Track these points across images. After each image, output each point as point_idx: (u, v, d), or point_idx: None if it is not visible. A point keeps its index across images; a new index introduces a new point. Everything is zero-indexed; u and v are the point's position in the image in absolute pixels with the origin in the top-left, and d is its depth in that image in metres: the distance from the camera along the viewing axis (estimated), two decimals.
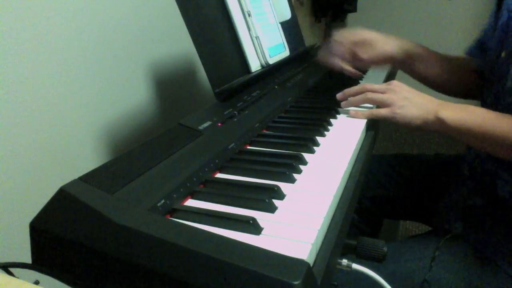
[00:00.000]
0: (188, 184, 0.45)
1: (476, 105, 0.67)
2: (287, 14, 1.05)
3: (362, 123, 0.68)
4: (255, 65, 0.81)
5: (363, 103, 0.72)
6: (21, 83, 0.68)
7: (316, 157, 0.56)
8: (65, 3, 0.74)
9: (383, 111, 0.68)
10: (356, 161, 0.58)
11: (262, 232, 0.38)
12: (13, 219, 0.68)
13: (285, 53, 0.94)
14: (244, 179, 0.49)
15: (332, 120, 0.70)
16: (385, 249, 0.48)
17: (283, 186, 0.46)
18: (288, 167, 0.50)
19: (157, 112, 1.03)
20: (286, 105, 0.75)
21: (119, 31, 0.88)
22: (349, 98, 0.73)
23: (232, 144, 0.56)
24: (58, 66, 0.74)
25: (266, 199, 0.42)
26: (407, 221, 1.67)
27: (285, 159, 0.53)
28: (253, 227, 0.38)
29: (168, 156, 0.48)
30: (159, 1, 1.00)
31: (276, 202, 0.43)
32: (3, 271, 0.41)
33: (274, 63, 0.86)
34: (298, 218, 0.40)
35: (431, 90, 0.92)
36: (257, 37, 0.82)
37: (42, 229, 0.37)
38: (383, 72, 1.01)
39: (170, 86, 1.08)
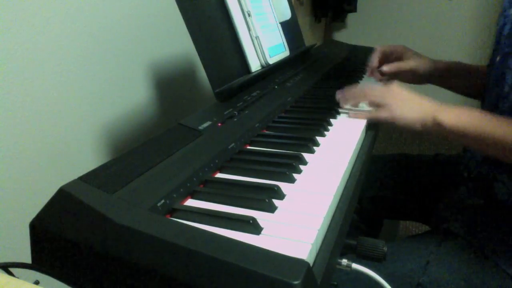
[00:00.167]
0: (188, 184, 0.45)
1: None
2: (287, 14, 1.05)
3: (362, 123, 0.68)
4: (255, 65, 0.81)
5: (362, 102, 0.72)
6: (21, 83, 0.68)
7: (316, 157, 0.56)
8: (65, 3, 0.74)
9: (382, 113, 0.69)
10: (356, 161, 0.58)
11: (262, 232, 0.38)
12: (13, 219, 0.68)
13: (285, 53, 0.94)
14: (244, 179, 0.49)
15: (332, 120, 0.70)
16: (385, 249, 0.48)
17: (283, 186, 0.46)
18: (288, 167, 0.50)
19: (157, 112, 1.03)
20: (286, 105, 0.76)
21: (119, 31, 0.88)
22: (348, 98, 0.73)
23: (232, 144, 0.56)
24: (58, 66, 0.74)
25: (266, 199, 0.42)
26: (407, 221, 1.67)
27: (285, 159, 0.53)
28: (253, 227, 0.38)
29: (168, 156, 0.48)
30: (159, 1, 1.00)
31: (276, 202, 0.43)
32: (3, 271, 0.41)
33: (274, 63, 0.86)
34: (298, 218, 0.40)
35: (431, 93, 0.92)
36: (257, 37, 0.82)
37: (42, 229, 0.37)
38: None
39: (170, 86, 1.08)
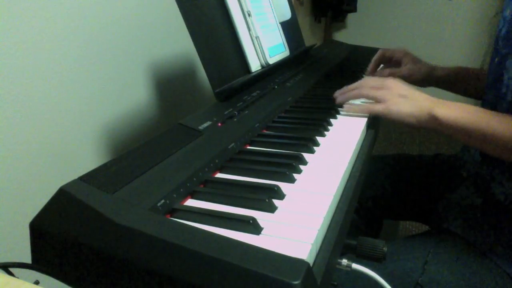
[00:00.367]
0: (188, 184, 0.45)
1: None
2: (287, 14, 1.05)
3: (362, 123, 0.68)
4: (255, 65, 0.81)
5: (359, 98, 0.72)
6: (21, 83, 0.68)
7: (316, 157, 0.56)
8: (65, 3, 0.74)
9: (377, 107, 0.68)
10: (356, 161, 0.58)
11: (262, 232, 0.38)
12: (13, 219, 0.68)
13: (285, 53, 0.94)
14: (244, 179, 0.49)
15: (332, 120, 0.70)
16: (385, 249, 0.48)
17: (283, 186, 0.46)
18: (288, 167, 0.50)
19: (157, 112, 1.03)
20: (286, 105, 0.76)
21: (119, 31, 0.88)
22: (346, 93, 0.73)
23: (232, 144, 0.56)
24: (58, 66, 0.74)
25: (266, 199, 0.42)
26: (407, 221, 1.67)
27: (285, 159, 0.53)
28: (253, 227, 0.38)
29: (168, 156, 0.48)
30: (159, 1, 1.00)
31: (276, 202, 0.43)
32: (3, 271, 0.41)
33: (274, 63, 0.86)
34: (298, 218, 0.40)
35: (429, 89, 0.93)
36: (257, 37, 0.82)
37: (42, 229, 0.37)
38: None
39: (170, 86, 1.08)
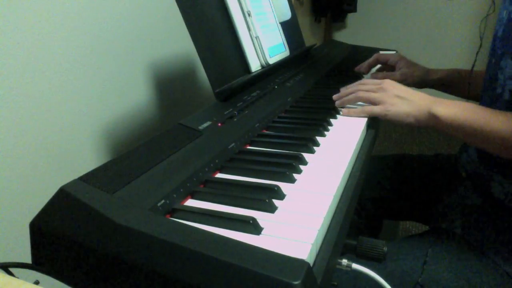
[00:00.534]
0: (188, 184, 0.45)
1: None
2: (287, 14, 1.05)
3: (362, 123, 0.68)
4: (255, 65, 0.81)
5: (356, 102, 0.73)
6: (21, 83, 0.68)
7: (316, 157, 0.56)
8: (65, 3, 0.74)
9: (375, 109, 0.69)
10: (356, 161, 0.58)
11: (262, 232, 0.38)
12: (13, 219, 0.68)
13: (285, 53, 0.94)
14: (244, 179, 0.49)
15: (332, 120, 0.70)
16: (385, 249, 0.48)
17: (283, 186, 0.46)
18: (288, 167, 0.50)
19: (157, 112, 1.03)
20: (286, 105, 0.76)
21: (119, 31, 0.88)
22: (343, 98, 0.74)
23: (232, 144, 0.56)
24: (58, 66, 0.74)
25: (266, 199, 0.42)
26: (407, 222, 1.67)
27: (285, 159, 0.53)
28: (253, 227, 0.38)
29: (168, 156, 0.48)
30: (159, 1, 1.00)
31: (276, 202, 0.43)
32: (3, 271, 0.41)
33: (274, 63, 0.86)
34: (298, 218, 0.40)
35: (427, 89, 0.94)
36: (257, 37, 0.82)
37: (42, 229, 0.37)
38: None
39: (170, 86, 1.08)
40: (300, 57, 1.07)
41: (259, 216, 0.40)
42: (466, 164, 0.79)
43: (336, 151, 0.57)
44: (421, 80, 0.97)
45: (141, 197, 0.40)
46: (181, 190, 0.44)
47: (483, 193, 0.74)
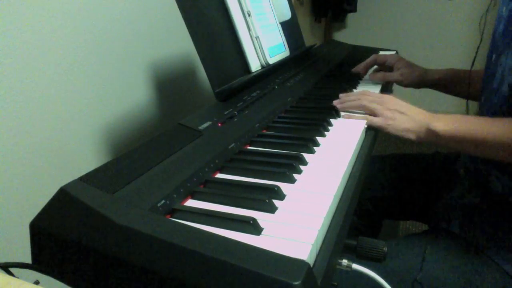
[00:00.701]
0: (188, 184, 0.45)
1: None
2: (287, 14, 1.05)
3: (362, 123, 0.68)
4: (255, 65, 0.81)
5: (357, 109, 0.73)
6: (21, 83, 0.68)
7: (316, 157, 0.56)
8: (65, 3, 0.74)
9: (375, 120, 0.70)
10: (356, 161, 0.58)
11: (262, 233, 0.38)
12: (13, 219, 0.68)
13: (285, 53, 0.94)
14: (244, 179, 0.49)
15: (332, 120, 0.70)
16: (385, 249, 0.48)
17: (283, 186, 0.46)
18: (288, 167, 0.50)
19: (157, 112, 1.03)
20: (286, 105, 0.76)
21: (119, 31, 0.88)
22: (345, 103, 0.74)
23: (232, 144, 0.56)
24: (58, 66, 0.74)
25: (266, 199, 0.42)
26: (407, 221, 1.67)
27: (285, 159, 0.53)
28: (253, 227, 0.38)
29: (168, 156, 0.48)
30: (159, 1, 1.00)
31: (276, 202, 0.43)
32: (3, 271, 0.41)
33: (274, 63, 0.86)
34: (298, 218, 0.40)
35: (424, 104, 0.95)
36: (257, 37, 0.82)
37: (42, 229, 0.37)
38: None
39: (170, 86, 1.08)
40: (300, 57, 1.07)
41: (259, 216, 0.40)
42: (465, 161, 0.79)
43: (336, 151, 0.57)
44: (420, 80, 0.97)
45: (141, 197, 0.40)
46: (181, 190, 0.44)
47: (482, 190, 0.74)
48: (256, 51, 0.83)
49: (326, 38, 2.77)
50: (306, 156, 0.55)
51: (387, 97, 0.73)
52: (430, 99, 2.02)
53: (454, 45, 2.60)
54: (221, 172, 0.52)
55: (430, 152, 1.02)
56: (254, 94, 0.75)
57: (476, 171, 0.76)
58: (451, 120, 0.66)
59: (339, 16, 2.69)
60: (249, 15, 0.81)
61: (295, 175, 0.49)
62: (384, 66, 1.02)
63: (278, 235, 0.38)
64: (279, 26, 0.95)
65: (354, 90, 0.89)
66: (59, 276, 0.38)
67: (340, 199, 0.47)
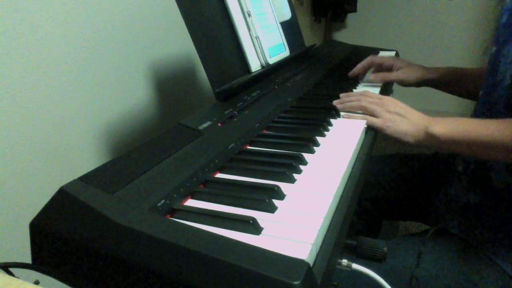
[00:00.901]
0: (188, 184, 0.45)
1: None
2: (287, 14, 1.05)
3: (362, 123, 0.68)
4: (255, 65, 0.81)
5: (357, 109, 0.74)
6: (21, 83, 0.68)
7: (316, 157, 0.56)
8: (65, 3, 0.74)
9: (375, 121, 0.71)
10: (356, 161, 0.58)
11: (262, 232, 0.38)
12: (13, 219, 0.68)
13: (285, 53, 0.94)
14: (244, 179, 0.49)
15: (332, 120, 0.70)
16: (385, 249, 0.48)
17: (283, 186, 0.46)
18: (288, 167, 0.50)
19: (157, 112, 1.03)
20: (286, 105, 0.76)
21: (119, 31, 0.88)
22: (345, 103, 0.74)
23: (232, 144, 0.56)
24: (58, 66, 0.74)
25: (266, 199, 0.42)
26: (407, 221, 1.67)
27: (285, 159, 0.53)
28: (253, 227, 0.38)
29: (168, 156, 0.48)
30: (159, 1, 1.00)
31: (276, 202, 0.43)
32: (3, 271, 0.41)
33: (274, 63, 0.86)
34: (298, 218, 0.40)
35: (423, 108, 0.95)
36: (257, 37, 0.82)
37: (42, 229, 0.37)
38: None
39: (170, 86, 1.08)
40: (300, 57, 1.07)
41: (259, 216, 0.40)
42: (464, 157, 0.79)
43: (336, 151, 0.57)
44: (420, 79, 0.97)
45: (141, 197, 0.40)
46: (181, 190, 0.44)
47: (481, 188, 0.74)
48: (256, 51, 0.83)
49: (326, 38, 2.77)
50: (306, 156, 0.55)
51: (387, 99, 0.73)
52: (430, 99, 2.02)
53: (454, 45, 2.60)
54: (221, 172, 0.52)
55: (430, 152, 1.02)
56: (254, 94, 0.75)
57: (476, 167, 0.76)
58: (449, 123, 0.66)
59: (339, 16, 2.69)
60: (249, 15, 0.81)
61: (295, 175, 0.49)
62: (381, 68, 1.02)
63: (278, 235, 0.38)
64: (279, 26, 0.95)
65: (354, 90, 0.89)
66: (59, 276, 0.38)
67: (340, 199, 0.47)
